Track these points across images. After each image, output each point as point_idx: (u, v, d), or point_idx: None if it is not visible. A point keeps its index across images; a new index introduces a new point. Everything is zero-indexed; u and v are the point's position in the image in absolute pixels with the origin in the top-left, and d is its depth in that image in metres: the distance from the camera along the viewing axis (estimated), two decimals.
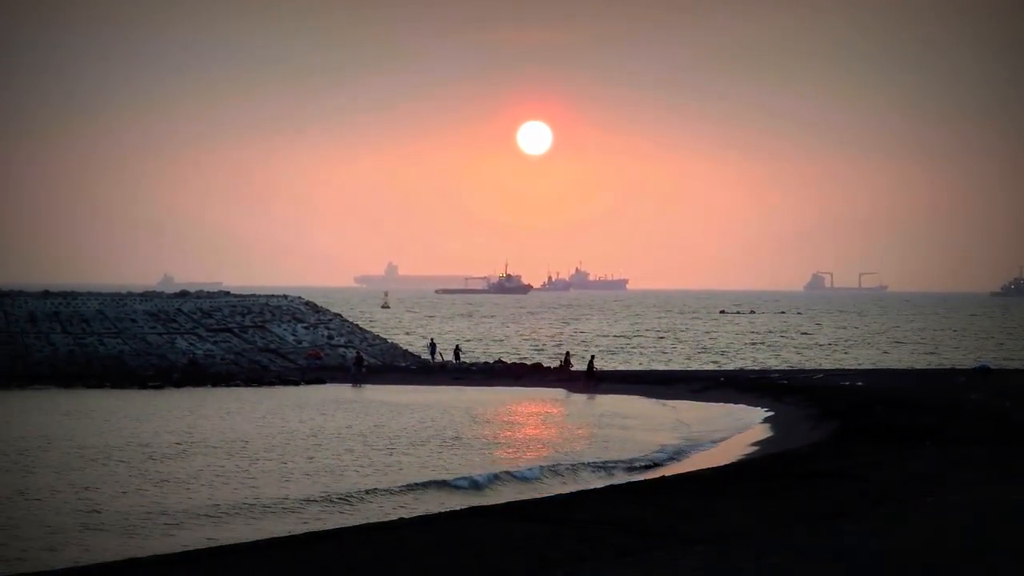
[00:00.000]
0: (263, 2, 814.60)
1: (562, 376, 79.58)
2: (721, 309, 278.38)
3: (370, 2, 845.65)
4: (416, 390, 72.37)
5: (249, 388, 73.18)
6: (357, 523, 28.33)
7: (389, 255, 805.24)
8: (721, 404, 62.43)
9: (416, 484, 35.82)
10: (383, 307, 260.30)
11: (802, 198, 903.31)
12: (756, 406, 59.36)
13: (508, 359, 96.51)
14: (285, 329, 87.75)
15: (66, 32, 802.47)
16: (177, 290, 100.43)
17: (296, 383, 75.71)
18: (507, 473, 38.11)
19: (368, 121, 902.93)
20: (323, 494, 33.94)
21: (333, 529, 26.14)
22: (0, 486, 35.50)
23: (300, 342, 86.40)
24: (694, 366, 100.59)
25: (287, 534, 26.28)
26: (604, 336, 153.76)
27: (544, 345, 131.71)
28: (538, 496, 32.67)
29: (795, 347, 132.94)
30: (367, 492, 34.40)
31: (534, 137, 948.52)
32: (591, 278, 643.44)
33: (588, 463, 40.81)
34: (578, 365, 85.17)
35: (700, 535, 22.62)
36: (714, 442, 47.77)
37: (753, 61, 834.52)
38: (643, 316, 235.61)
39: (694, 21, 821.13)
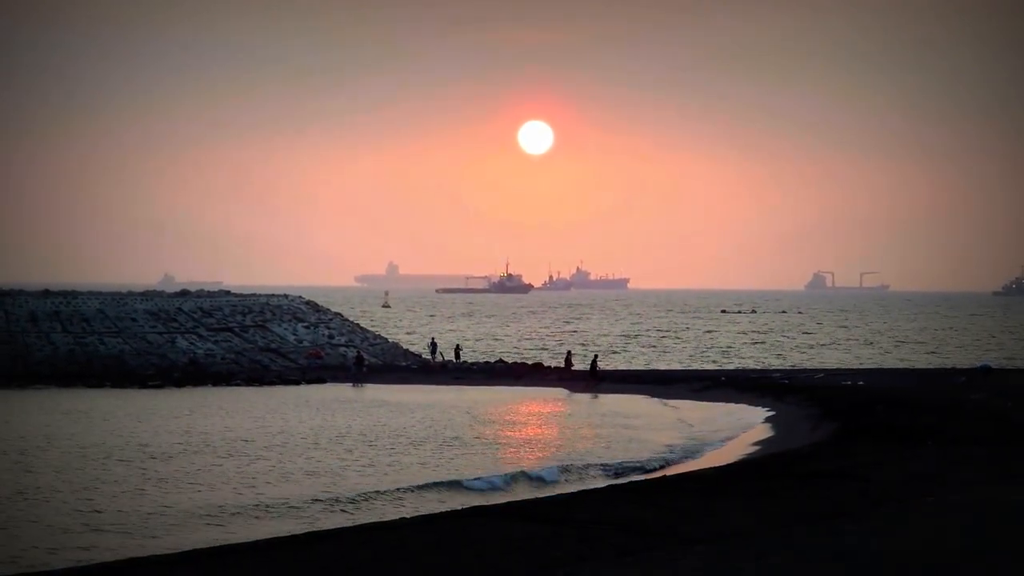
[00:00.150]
0: (263, 2, 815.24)
1: (563, 376, 79.57)
2: (722, 308, 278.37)
3: (370, 2, 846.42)
4: (417, 390, 72.36)
5: (250, 387, 73.17)
6: (357, 523, 28.32)
7: (390, 254, 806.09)
8: (722, 404, 62.40)
9: (428, 484, 35.54)
10: (384, 306, 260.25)
11: (802, 198, 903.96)
12: (757, 406, 59.33)
13: (509, 359, 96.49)
14: (286, 328, 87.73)
15: (66, 32, 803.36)
16: (178, 289, 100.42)
17: (297, 383, 75.71)
18: (523, 474, 37.79)
19: (368, 121, 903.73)
20: (326, 495, 33.86)
21: (333, 529, 26.12)
22: (0, 486, 35.49)
23: (301, 341, 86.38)
24: (695, 366, 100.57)
25: (287, 534, 26.25)
26: (605, 335, 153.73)
27: (545, 345, 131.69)
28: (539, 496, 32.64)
29: (796, 346, 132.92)
30: (378, 493, 34.10)
31: (535, 137, 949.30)
32: (592, 277, 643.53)
33: (601, 464, 40.50)
34: (579, 365, 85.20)
35: (700, 535, 22.60)
36: (721, 441, 47.66)
37: (753, 61, 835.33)
38: (644, 315, 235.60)
39: (694, 21, 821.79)
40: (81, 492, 34.43)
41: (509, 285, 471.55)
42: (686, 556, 20.65)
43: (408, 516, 27.86)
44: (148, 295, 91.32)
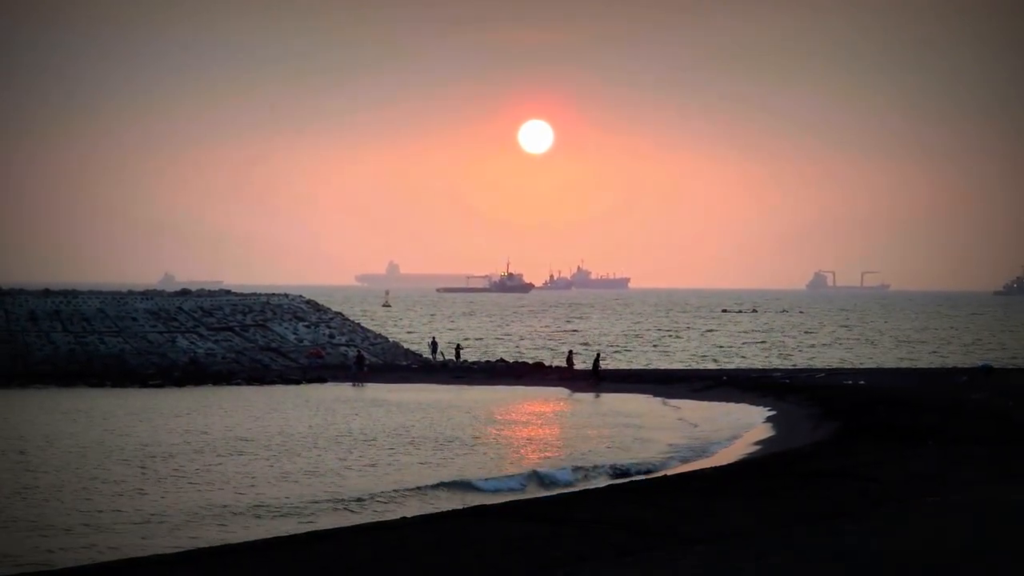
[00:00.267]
0: (263, 2, 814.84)
1: (564, 375, 79.55)
2: (723, 308, 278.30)
3: (370, 2, 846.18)
4: (417, 389, 72.35)
5: (250, 387, 73.19)
6: (357, 523, 28.27)
7: (390, 254, 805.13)
8: (723, 403, 62.37)
9: (439, 485, 35.31)
10: (384, 306, 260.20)
11: (802, 198, 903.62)
12: (758, 405, 59.30)
13: (509, 358, 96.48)
14: (286, 328, 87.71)
15: (66, 32, 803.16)
16: (178, 289, 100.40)
17: (297, 382, 75.71)
18: (536, 475, 37.49)
19: (369, 120, 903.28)
20: (327, 495, 33.80)
21: (333, 529, 26.06)
22: (1, 486, 35.46)
23: (301, 341, 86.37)
24: (696, 365, 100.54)
25: (287, 534, 26.22)
26: (606, 335, 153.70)
27: (546, 344, 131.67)
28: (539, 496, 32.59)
29: (797, 346, 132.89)
30: (384, 494, 33.79)
31: (535, 136, 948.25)
32: (593, 277, 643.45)
33: (611, 465, 40.20)
34: (580, 364, 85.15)
35: (700, 535, 22.57)
36: (728, 440, 47.56)
37: (753, 61, 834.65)
38: (645, 315, 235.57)
39: (694, 21, 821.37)
40: (81, 492, 34.41)
41: (510, 284, 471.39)
42: (686, 556, 20.63)
43: (409, 516, 27.80)
44: (148, 294, 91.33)
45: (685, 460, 42.34)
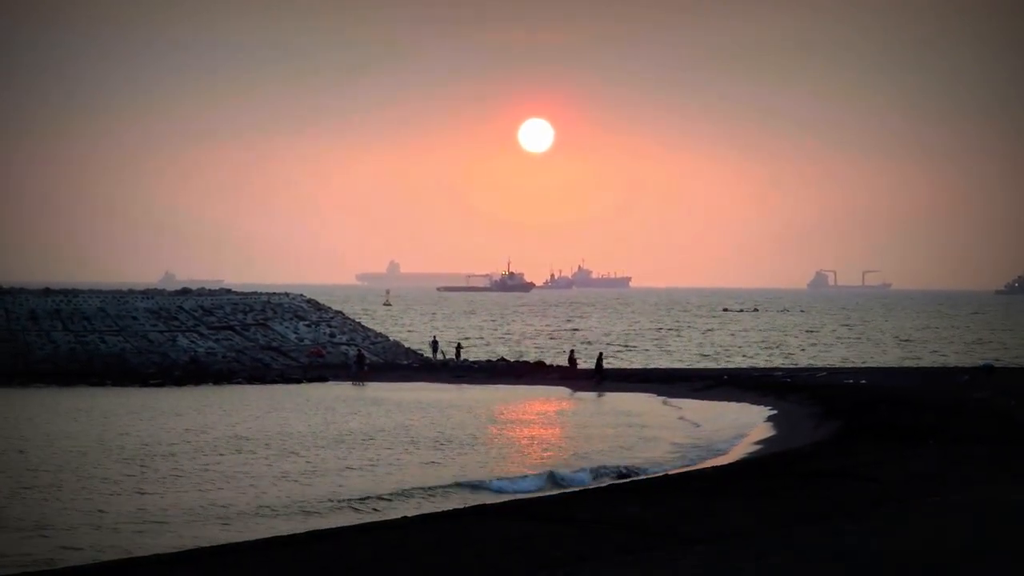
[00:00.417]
0: (263, 2, 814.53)
1: (565, 374, 79.51)
2: (724, 307, 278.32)
3: (370, 2, 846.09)
4: (418, 388, 72.35)
5: (251, 386, 73.19)
6: (356, 523, 28.24)
7: (391, 253, 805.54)
8: (724, 402, 62.34)
9: (451, 485, 35.13)
10: (385, 305, 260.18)
11: (802, 198, 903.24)
12: (759, 404, 59.25)
13: (510, 357, 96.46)
14: (287, 327, 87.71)
15: (66, 32, 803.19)
16: (178, 288, 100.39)
17: (298, 381, 75.70)
18: (552, 476, 37.06)
19: (369, 120, 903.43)
20: (329, 495, 33.72)
21: (333, 528, 26.04)
22: (1, 486, 35.45)
23: (302, 340, 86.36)
24: (697, 364, 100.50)
25: (287, 533, 26.20)
26: (607, 334, 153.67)
27: (546, 343, 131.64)
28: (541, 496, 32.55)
29: (798, 345, 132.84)
30: (390, 494, 33.57)
31: (536, 135, 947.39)
32: (594, 276, 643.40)
33: (624, 466, 39.93)
34: (582, 364, 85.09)
35: (700, 535, 22.54)
36: (732, 440, 47.41)
37: (753, 61, 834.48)
38: (646, 314, 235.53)
39: (694, 21, 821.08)
40: (81, 491, 34.39)
41: (511, 284, 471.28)
42: (686, 556, 20.60)
43: (410, 515, 27.78)
44: (149, 293, 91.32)
45: (691, 461, 42.07)
